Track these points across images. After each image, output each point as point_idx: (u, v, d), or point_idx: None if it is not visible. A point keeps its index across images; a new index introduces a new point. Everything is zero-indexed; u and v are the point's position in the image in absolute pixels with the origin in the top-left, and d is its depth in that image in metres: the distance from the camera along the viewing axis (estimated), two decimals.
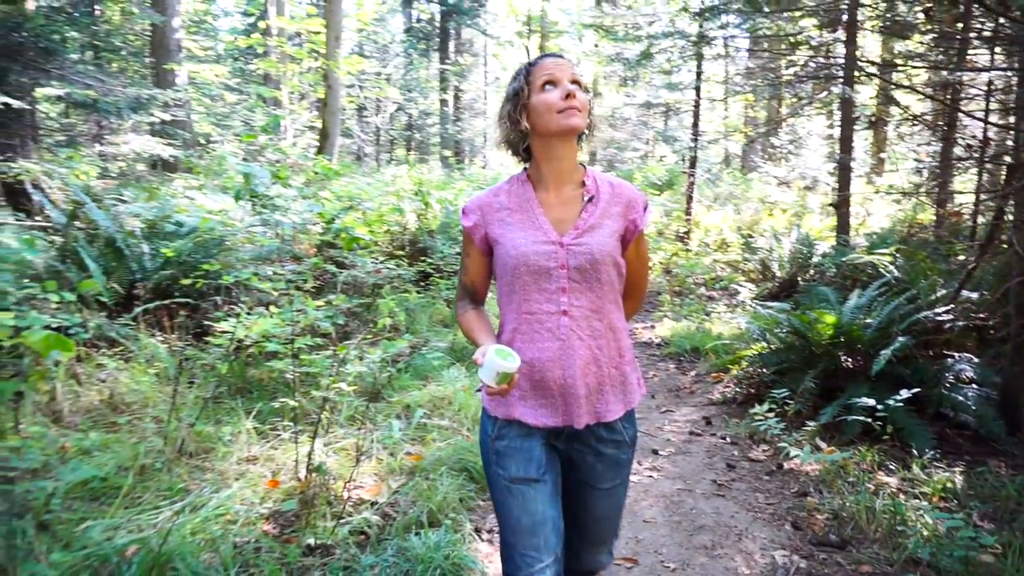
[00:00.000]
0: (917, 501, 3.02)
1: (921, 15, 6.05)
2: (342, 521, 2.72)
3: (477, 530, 2.87)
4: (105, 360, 3.80)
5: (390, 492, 3.01)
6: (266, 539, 2.56)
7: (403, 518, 2.79)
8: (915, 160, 8.68)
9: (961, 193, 7.30)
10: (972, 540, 2.50)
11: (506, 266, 1.58)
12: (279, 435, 3.36)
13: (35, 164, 6.95)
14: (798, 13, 7.49)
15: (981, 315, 4.36)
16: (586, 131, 1.61)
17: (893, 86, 6.52)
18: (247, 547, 2.48)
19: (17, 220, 5.42)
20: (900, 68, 7.36)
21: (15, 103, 6.64)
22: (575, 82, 1.54)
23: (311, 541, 2.58)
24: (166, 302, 4.31)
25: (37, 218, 5.88)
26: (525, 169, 1.67)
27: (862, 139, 11.13)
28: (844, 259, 6.19)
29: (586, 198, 1.60)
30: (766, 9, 7.27)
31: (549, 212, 1.60)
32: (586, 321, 1.56)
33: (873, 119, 8.70)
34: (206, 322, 4.41)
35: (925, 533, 2.72)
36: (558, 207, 1.60)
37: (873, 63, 7.61)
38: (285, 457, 3.13)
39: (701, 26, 8.81)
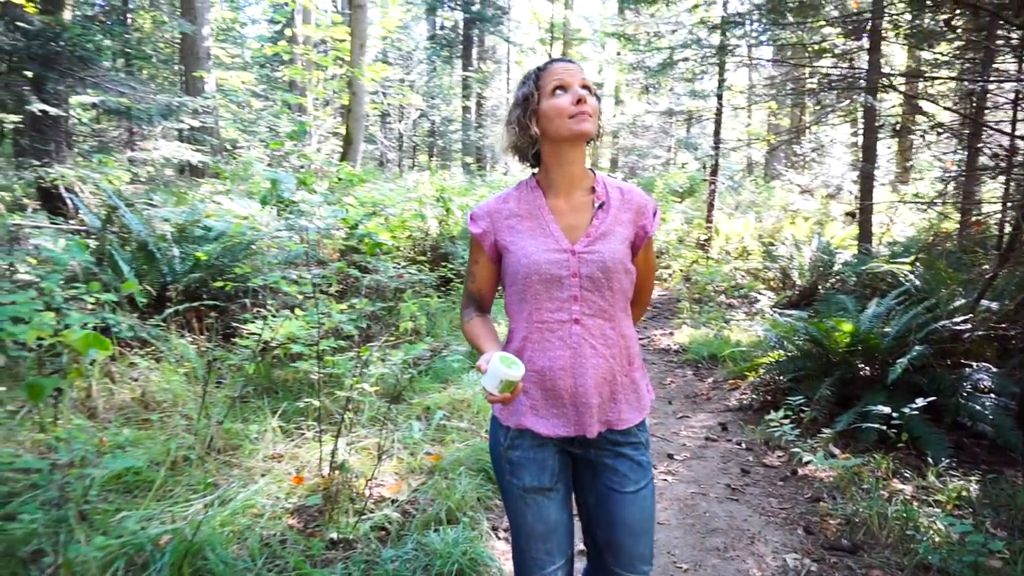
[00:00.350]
0: (930, 508, 3.04)
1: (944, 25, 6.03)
2: (364, 517, 2.81)
3: (494, 528, 2.95)
4: (137, 360, 3.93)
5: (410, 490, 3.10)
6: (291, 532, 2.66)
7: (422, 515, 2.88)
8: (940, 169, 8.61)
9: (988, 202, 7.23)
10: (982, 546, 2.52)
11: (517, 274, 1.55)
12: (303, 434, 3.47)
13: (69, 169, 7.15)
14: (821, 22, 7.49)
15: (1001, 325, 4.34)
16: (595, 136, 1.57)
17: (914, 97, 6.50)
18: (273, 539, 2.59)
19: (53, 224, 5.60)
20: (924, 77, 7.31)
21: (52, 110, 6.87)
22: (585, 87, 1.52)
23: (334, 535, 2.67)
24: (195, 304, 4.45)
25: (72, 222, 6.07)
26: (534, 175, 1.65)
27: (886, 147, 11.02)
28: (864, 268, 6.17)
29: (597, 204, 1.58)
30: (789, 18, 7.29)
31: (560, 219, 1.57)
32: (598, 329, 1.54)
33: (897, 127, 8.65)
34: (234, 324, 4.53)
35: (936, 539, 2.74)
36: (569, 214, 1.58)
37: (896, 74, 7.58)
38: (309, 455, 3.23)
39: (723, 34, 8.83)
